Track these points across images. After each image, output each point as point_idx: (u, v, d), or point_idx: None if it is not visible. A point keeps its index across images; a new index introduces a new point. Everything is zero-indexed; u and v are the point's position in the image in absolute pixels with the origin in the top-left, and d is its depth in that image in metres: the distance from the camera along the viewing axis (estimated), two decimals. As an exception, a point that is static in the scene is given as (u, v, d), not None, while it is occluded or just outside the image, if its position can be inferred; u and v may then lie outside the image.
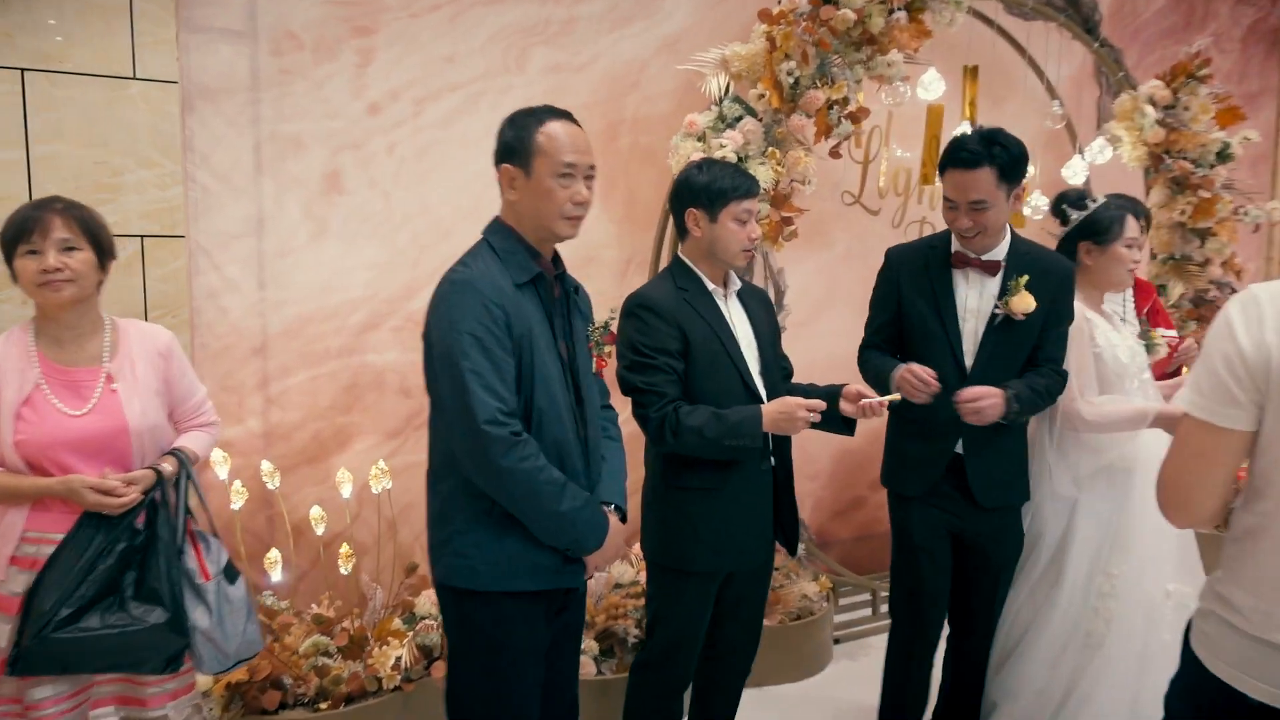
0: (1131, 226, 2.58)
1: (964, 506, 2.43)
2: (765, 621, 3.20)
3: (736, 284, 2.33)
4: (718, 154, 2.88)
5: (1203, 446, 1.24)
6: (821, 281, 3.85)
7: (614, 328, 1.99)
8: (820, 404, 2.14)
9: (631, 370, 2.16)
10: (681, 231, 2.28)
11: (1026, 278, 2.33)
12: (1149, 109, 3.95)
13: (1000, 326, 2.36)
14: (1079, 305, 2.51)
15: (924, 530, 2.45)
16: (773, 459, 2.29)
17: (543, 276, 1.81)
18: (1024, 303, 2.34)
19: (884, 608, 3.75)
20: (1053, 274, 2.38)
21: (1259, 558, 1.25)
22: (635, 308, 2.20)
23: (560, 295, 1.89)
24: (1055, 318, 2.39)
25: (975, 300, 2.42)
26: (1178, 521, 1.29)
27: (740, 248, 2.22)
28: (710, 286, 2.27)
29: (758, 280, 3.27)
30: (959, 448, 2.41)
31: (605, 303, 2.68)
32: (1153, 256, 4.27)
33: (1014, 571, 2.53)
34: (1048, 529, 2.53)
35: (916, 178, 3.86)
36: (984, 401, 2.24)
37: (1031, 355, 2.40)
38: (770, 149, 2.97)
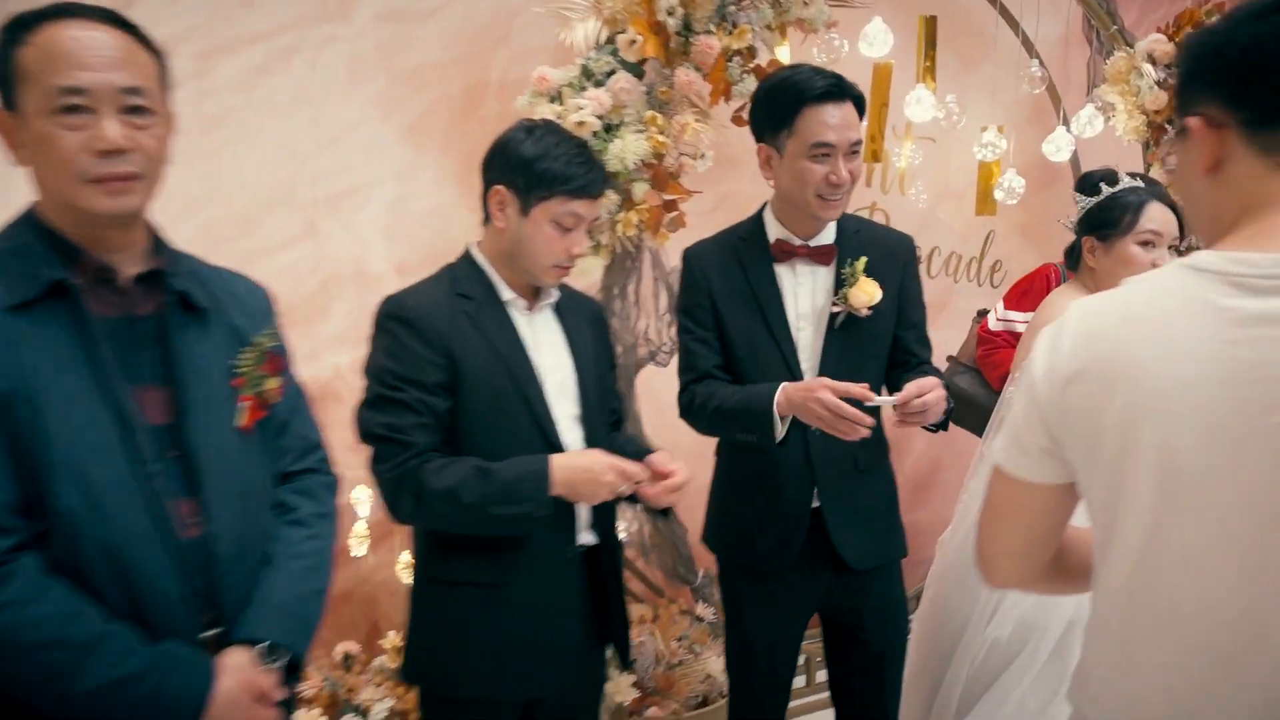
0: (1154, 217, 1.93)
1: (829, 576, 1.86)
2: (656, 713, 2.54)
3: (552, 295, 1.68)
4: (573, 120, 2.21)
5: (999, 496, 1.03)
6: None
7: (271, 349, 1.33)
8: (640, 470, 1.50)
9: (371, 407, 1.53)
10: (485, 212, 1.64)
11: (865, 260, 1.80)
12: (1148, 68, 3.25)
13: (844, 328, 1.83)
14: None
15: (772, 623, 1.90)
16: (592, 534, 1.64)
17: (68, 289, 1.13)
18: (866, 292, 1.79)
19: (821, 674, 3.09)
20: (895, 252, 1.90)
21: (1093, 649, 0.99)
22: (387, 318, 1.56)
23: (155, 311, 1.21)
24: (909, 303, 1.91)
25: (807, 299, 1.86)
26: (989, 580, 1.08)
27: (551, 262, 1.59)
28: (506, 296, 1.62)
29: (645, 283, 2.61)
30: (814, 498, 1.84)
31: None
32: (1154, 248, 3.57)
33: (902, 658, 1.97)
34: (1049, 614, 1.89)
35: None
36: (930, 394, 1.68)
37: (891, 360, 1.92)
38: (651, 113, 2.30)
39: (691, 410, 1.86)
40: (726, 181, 3.15)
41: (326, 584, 1.35)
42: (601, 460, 1.51)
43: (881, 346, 1.88)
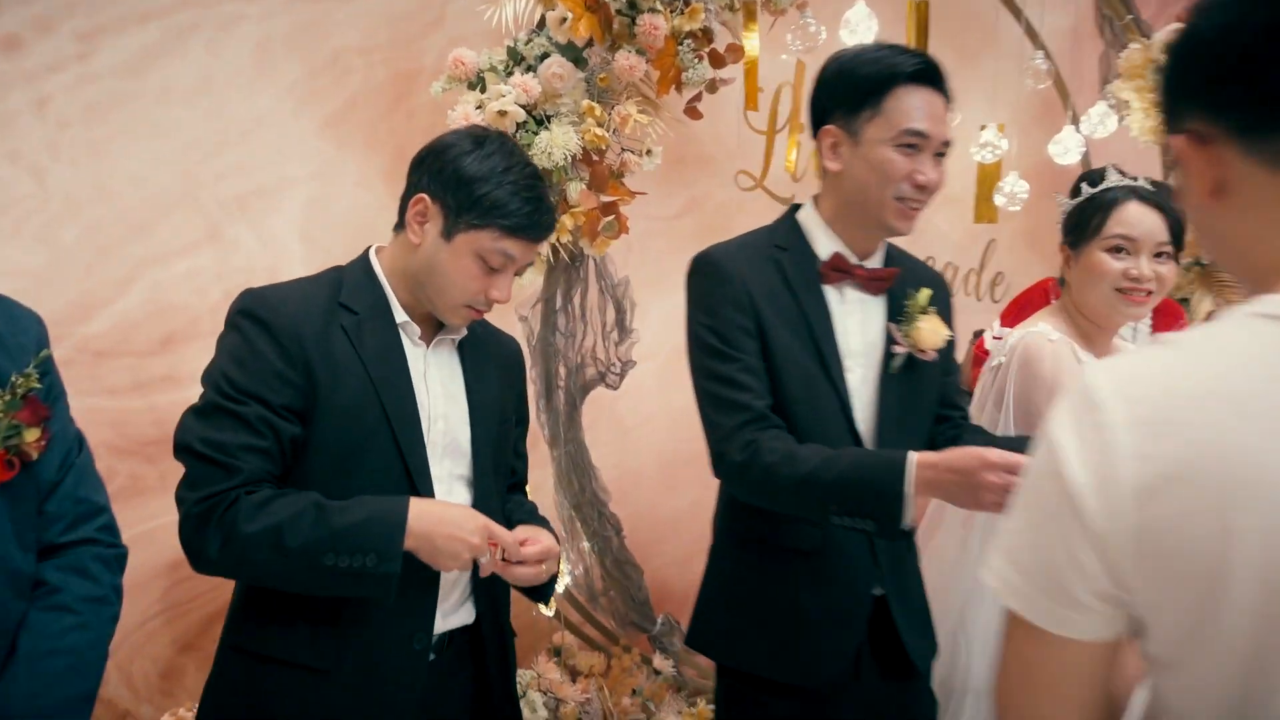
0: (1126, 219, 1.63)
1: (880, 685, 1.47)
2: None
3: (460, 332, 1.40)
4: (493, 109, 1.91)
5: (1029, 659, 0.72)
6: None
7: (29, 392, 1.03)
8: (512, 541, 1.21)
9: (198, 415, 1.24)
10: (401, 219, 1.38)
11: (928, 293, 1.49)
12: (1166, 61, 2.92)
13: (902, 372, 1.48)
14: (1065, 344, 1.66)
15: None
16: (470, 610, 1.34)
17: None
18: (937, 331, 1.48)
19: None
20: (938, 286, 1.58)
21: None
22: (240, 314, 1.28)
23: None
24: (950, 349, 1.61)
25: (857, 334, 1.49)
26: None
27: (463, 300, 1.32)
28: (400, 319, 1.34)
29: (591, 295, 2.30)
30: (877, 588, 1.48)
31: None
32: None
33: None
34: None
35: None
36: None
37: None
38: (588, 103, 2.00)
39: (753, 469, 1.35)
40: (699, 184, 2.85)
41: (92, 687, 1.05)
42: (470, 518, 1.22)
43: (933, 396, 1.55)
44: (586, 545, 2.45)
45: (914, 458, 1.26)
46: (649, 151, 2.07)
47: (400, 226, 1.36)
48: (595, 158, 2.03)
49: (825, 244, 1.48)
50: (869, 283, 1.47)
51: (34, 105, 2.11)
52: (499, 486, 1.43)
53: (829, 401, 1.42)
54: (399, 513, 1.19)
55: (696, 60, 2.05)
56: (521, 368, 1.55)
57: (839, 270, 1.45)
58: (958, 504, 1.30)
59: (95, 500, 1.12)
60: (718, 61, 2.08)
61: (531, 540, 1.27)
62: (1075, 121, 3.09)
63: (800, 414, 1.42)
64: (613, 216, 2.00)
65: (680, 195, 2.84)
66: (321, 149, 2.38)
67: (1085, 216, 1.67)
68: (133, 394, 2.21)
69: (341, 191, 2.42)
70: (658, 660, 2.60)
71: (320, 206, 2.40)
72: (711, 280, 1.45)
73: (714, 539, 1.58)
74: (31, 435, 1.03)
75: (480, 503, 1.35)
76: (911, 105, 1.38)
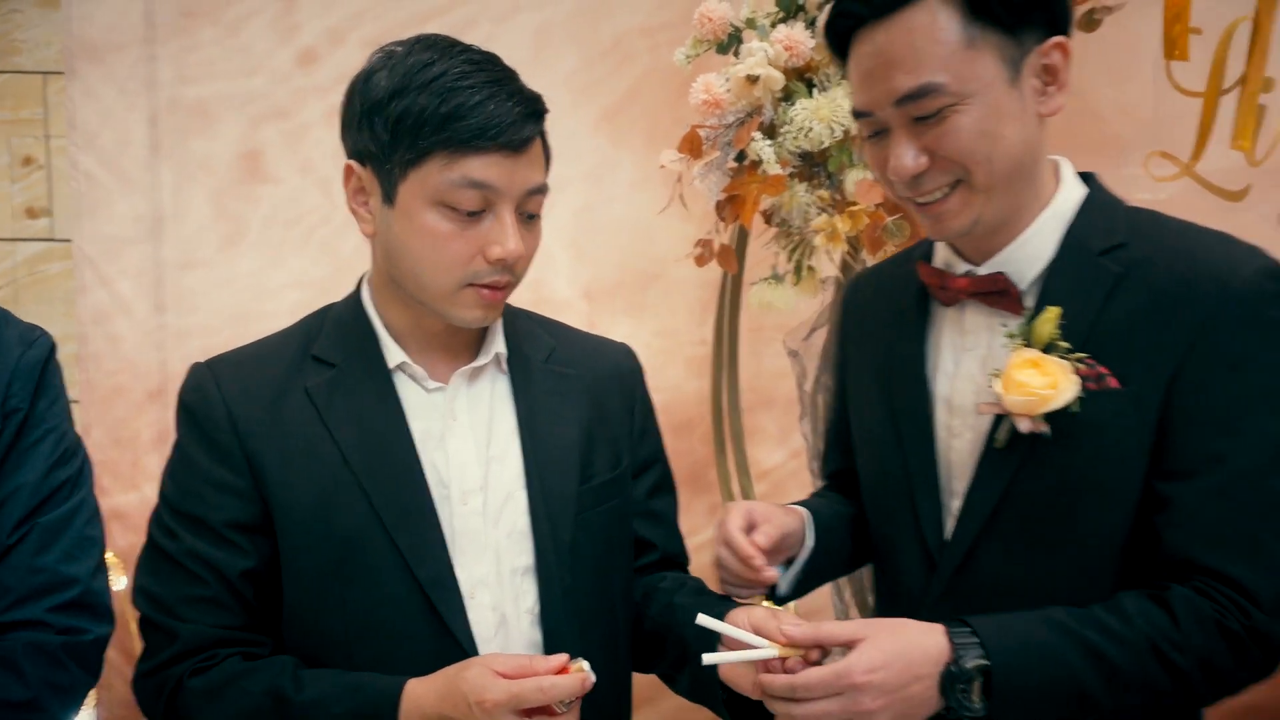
0: None
1: None
2: None
3: (491, 349, 1.01)
4: (738, 74, 1.43)
5: None
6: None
7: None
8: (566, 687, 0.79)
9: (142, 555, 0.98)
10: None
11: (1055, 314, 0.87)
12: None
13: (1014, 445, 0.89)
14: None
15: None
16: None
17: None
18: (1028, 386, 0.86)
19: None
20: (1190, 299, 0.85)
21: None
22: (178, 403, 0.99)
23: None
24: (1198, 421, 0.84)
25: (975, 372, 0.95)
26: None
27: (453, 278, 0.93)
28: (395, 360, 0.98)
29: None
30: None
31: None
32: None
33: None
34: None
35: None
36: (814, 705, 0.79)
37: (1145, 538, 0.87)
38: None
39: None
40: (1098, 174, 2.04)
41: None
42: (489, 685, 0.78)
43: (1100, 507, 0.87)
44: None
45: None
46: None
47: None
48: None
49: (940, 250, 1.00)
50: (988, 295, 0.92)
51: (324, 117, 2.11)
52: (608, 567, 1.00)
53: (895, 486, 0.98)
54: (392, 696, 0.83)
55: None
56: (634, 385, 1.09)
57: (941, 285, 0.96)
58: None
59: (61, 571, 0.89)
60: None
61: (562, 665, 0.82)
62: None
63: (871, 497, 1.05)
64: (900, 215, 1.39)
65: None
66: (597, 146, 2.10)
67: None
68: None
69: (615, 194, 2.12)
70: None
71: (592, 213, 2.12)
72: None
73: None
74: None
75: (554, 608, 0.93)
76: (855, 59, 0.92)
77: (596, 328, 2.22)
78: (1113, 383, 0.85)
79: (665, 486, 1.11)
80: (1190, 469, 0.83)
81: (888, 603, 1.03)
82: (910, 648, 0.79)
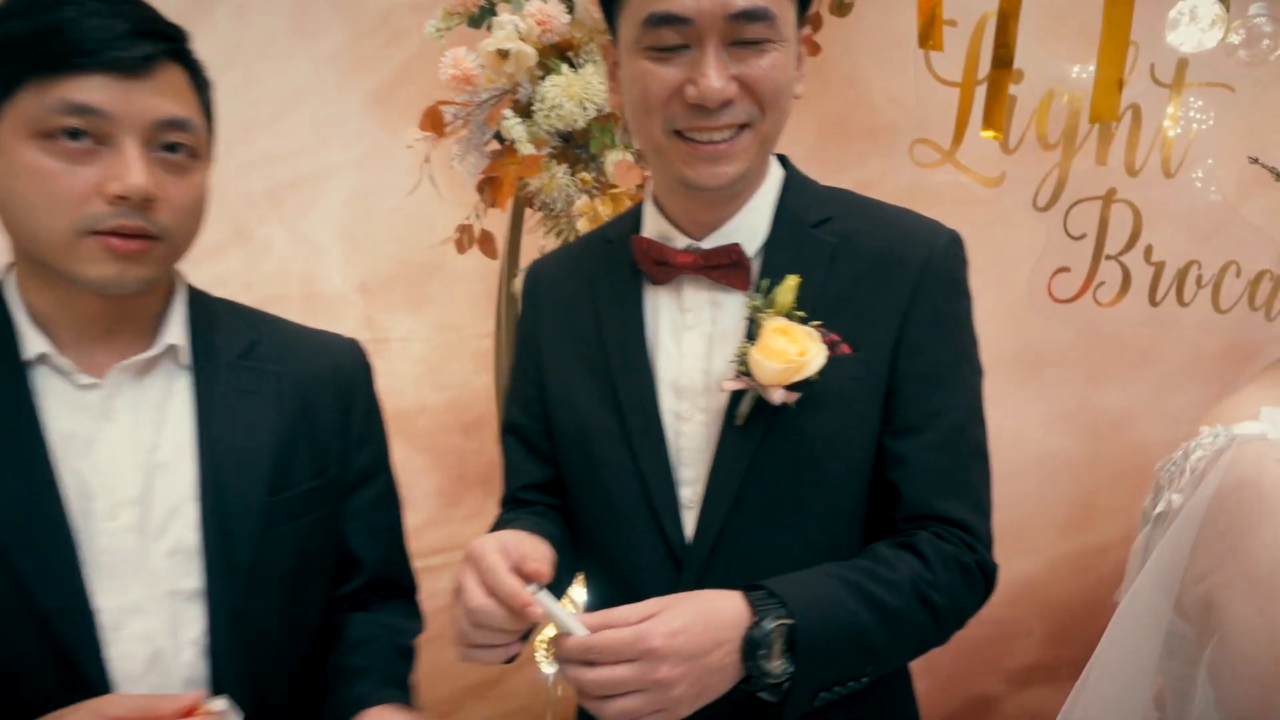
0: None
1: None
2: None
3: (168, 332, 0.89)
4: (488, 49, 1.35)
5: None
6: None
7: None
8: None
9: None
10: None
11: (795, 280, 0.86)
12: None
13: (758, 426, 0.87)
14: None
15: None
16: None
17: None
18: (782, 354, 0.83)
19: None
20: (900, 262, 0.89)
21: None
22: None
23: None
24: (920, 373, 0.88)
25: (700, 358, 0.91)
26: None
27: (63, 225, 0.81)
28: (35, 350, 0.84)
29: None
30: None
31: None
32: None
33: None
34: None
35: (1085, 110, 1.96)
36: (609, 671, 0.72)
37: (872, 499, 0.90)
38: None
39: None
40: (871, 162, 2.10)
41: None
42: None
43: (842, 470, 0.88)
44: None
45: None
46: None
47: None
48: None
49: (650, 224, 0.94)
50: (714, 270, 0.89)
51: None
52: (300, 590, 0.90)
53: (624, 476, 0.90)
54: None
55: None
56: (354, 386, 0.99)
57: (658, 262, 0.90)
58: None
59: None
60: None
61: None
62: None
63: (581, 496, 0.96)
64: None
65: (843, 178, 2.11)
66: (368, 129, 1.96)
67: None
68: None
69: (390, 182, 1.99)
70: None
71: (365, 200, 1.99)
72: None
73: None
74: None
75: (223, 638, 0.83)
76: None
77: (374, 324, 2.14)
78: (846, 349, 0.86)
79: (388, 501, 1.01)
80: (916, 425, 0.87)
81: None
82: (711, 611, 0.75)
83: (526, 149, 1.32)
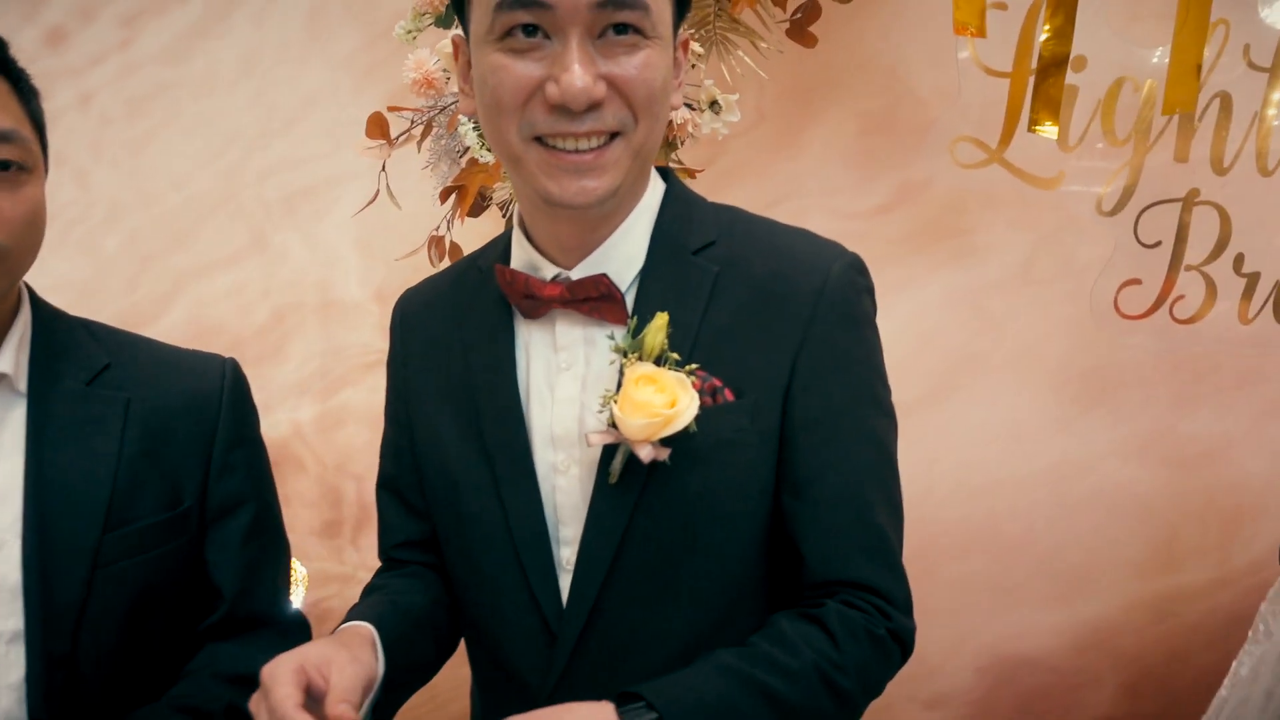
0: None
1: None
2: None
3: (3, 366, 0.84)
4: (446, 49, 1.27)
5: None
6: (921, 327, 1.91)
7: None
8: None
9: None
10: None
11: (664, 317, 0.73)
12: None
13: (630, 476, 0.74)
14: None
15: None
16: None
17: None
18: (646, 407, 0.70)
19: None
20: (792, 295, 0.76)
21: None
22: None
23: None
24: (813, 424, 0.75)
25: (574, 395, 0.79)
26: None
27: None
28: None
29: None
30: None
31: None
32: None
33: None
34: None
35: (1160, 101, 1.72)
36: None
37: (784, 553, 0.78)
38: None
39: None
40: (916, 163, 1.92)
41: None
42: None
43: (730, 533, 0.77)
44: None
45: None
46: (714, 104, 1.27)
47: None
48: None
49: (517, 250, 0.82)
50: (583, 305, 0.77)
51: (78, 102, 1.92)
52: (144, 629, 0.85)
53: (495, 534, 0.79)
54: None
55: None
56: (218, 409, 0.92)
57: (526, 296, 0.79)
58: None
59: None
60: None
61: None
62: None
63: (452, 552, 0.86)
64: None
65: (885, 180, 1.94)
66: (382, 136, 1.93)
67: None
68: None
69: (406, 189, 1.95)
70: None
71: (380, 207, 1.96)
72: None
73: None
74: None
75: (43, 684, 0.77)
76: None
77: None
78: (729, 395, 0.74)
79: (257, 531, 0.94)
80: (812, 478, 0.75)
81: (495, 695, 0.85)
82: None
83: (485, 156, 1.24)
